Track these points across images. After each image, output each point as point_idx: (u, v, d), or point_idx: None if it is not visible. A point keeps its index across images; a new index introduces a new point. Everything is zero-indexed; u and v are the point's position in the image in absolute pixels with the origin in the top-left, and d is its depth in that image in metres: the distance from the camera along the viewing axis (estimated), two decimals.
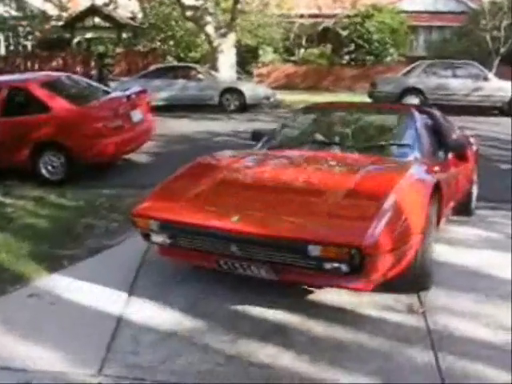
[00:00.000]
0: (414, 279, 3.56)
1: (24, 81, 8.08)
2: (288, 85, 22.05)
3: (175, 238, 3.54)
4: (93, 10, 23.59)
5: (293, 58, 24.48)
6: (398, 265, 3.28)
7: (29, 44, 27.24)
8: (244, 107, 15.13)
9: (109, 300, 3.76)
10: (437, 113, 5.61)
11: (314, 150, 4.69)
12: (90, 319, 3.52)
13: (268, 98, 15.67)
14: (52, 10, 26.99)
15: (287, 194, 3.71)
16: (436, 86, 14.59)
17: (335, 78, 22.14)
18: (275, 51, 24.69)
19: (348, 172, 4.01)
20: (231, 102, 15.26)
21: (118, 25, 23.86)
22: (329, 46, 24.07)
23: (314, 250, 3.03)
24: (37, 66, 24.30)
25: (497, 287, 3.88)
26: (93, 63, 25.32)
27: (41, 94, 7.66)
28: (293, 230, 3.21)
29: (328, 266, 3.09)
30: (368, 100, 15.09)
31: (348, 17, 22.21)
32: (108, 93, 8.74)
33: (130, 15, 25.36)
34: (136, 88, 8.86)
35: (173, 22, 22.72)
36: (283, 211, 3.39)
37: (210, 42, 17.63)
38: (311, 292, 3.72)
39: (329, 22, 22.77)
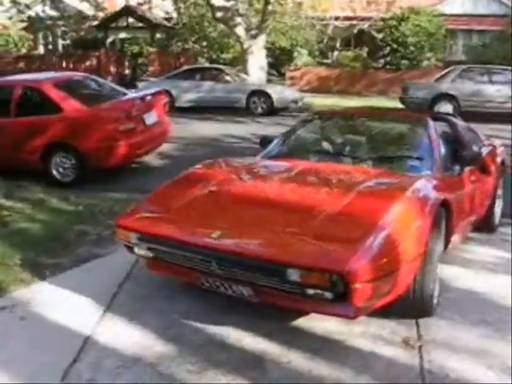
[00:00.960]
0: (412, 306, 3.28)
1: (37, 81, 7.95)
2: (321, 88, 21.61)
3: (156, 251, 3.33)
4: (127, 11, 23.65)
5: (326, 61, 24.05)
6: (391, 291, 2.99)
7: (64, 43, 27.53)
8: (271, 110, 14.80)
9: (82, 316, 3.52)
10: (457, 121, 5.29)
11: (316, 160, 4.42)
12: (56, 338, 3.27)
13: (296, 102, 15.30)
14: (88, 10, 27.30)
15: (275, 210, 3.40)
16: (471, 93, 13.96)
17: (369, 81, 21.57)
18: (310, 54, 24.34)
19: (345, 188, 3.66)
20: (258, 104, 14.96)
21: (151, 25, 23.88)
22: (365, 49, 23.65)
23: (294, 275, 2.78)
24: (71, 66, 24.63)
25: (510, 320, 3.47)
26: (126, 63, 25.54)
27: (53, 94, 7.52)
28: (272, 251, 2.95)
29: (310, 291, 2.82)
30: (400, 106, 14.59)
31: (383, 20, 21.63)
32: (125, 94, 8.55)
33: (164, 15, 25.41)
34: (152, 89, 8.64)
35: (206, 23, 22.60)
36: (266, 229, 3.13)
37: (240, 44, 17.38)
38: (298, 316, 3.39)
39: (363, 25, 22.22)
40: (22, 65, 24.90)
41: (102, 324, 3.42)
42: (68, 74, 8.84)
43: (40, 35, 28.43)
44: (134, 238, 3.35)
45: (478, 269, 4.39)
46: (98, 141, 7.31)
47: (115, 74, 24.29)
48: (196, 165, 4.39)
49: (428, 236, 3.17)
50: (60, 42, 28.17)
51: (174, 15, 24.35)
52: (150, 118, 8.02)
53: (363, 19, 22.16)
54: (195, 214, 3.43)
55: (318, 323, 3.31)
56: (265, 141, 5.08)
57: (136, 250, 3.46)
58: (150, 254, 3.37)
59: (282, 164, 4.40)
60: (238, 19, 16.91)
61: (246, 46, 17.14)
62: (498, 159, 5.51)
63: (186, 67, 17.49)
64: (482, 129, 10.01)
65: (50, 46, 28.79)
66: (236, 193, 3.72)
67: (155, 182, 7.50)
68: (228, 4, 17.10)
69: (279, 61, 24.15)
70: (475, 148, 4.94)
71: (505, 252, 4.80)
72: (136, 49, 26.58)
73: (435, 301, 3.47)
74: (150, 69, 23.29)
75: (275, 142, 4.92)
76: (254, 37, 17.10)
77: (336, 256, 2.79)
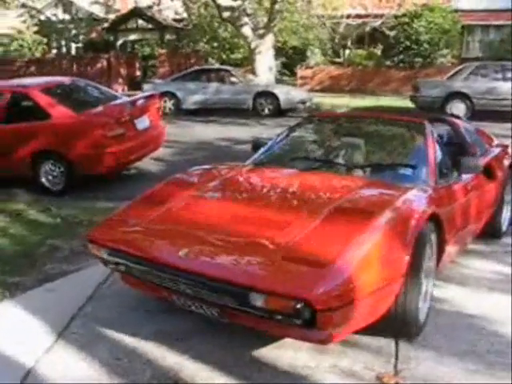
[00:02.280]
0: (396, 327, 3.08)
1: (25, 86, 7.71)
2: (332, 87, 21.22)
3: (126, 267, 3.17)
4: (136, 12, 23.49)
5: (338, 60, 23.61)
6: (368, 315, 2.81)
7: (75, 46, 27.49)
8: (278, 111, 14.46)
9: (31, 344, 3.23)
10: (461, 123, 5.03)
11: (301, 169, 4.09)
12: None
13: (304, 102, 14.93)
14: (100, 12, 27.24)
15: (246, 227, 3.14)
16: (484, 90, 13.46)
17: (381, 80, 21.07)
18: (324, 53, 23.93)
19: (323, 203, 3.37)
20: (265, 106, 14.63)
21: (160, 26, 23.69)
22: (379, 48, 23.16)
23: (257, 299, 2.59)
24: (82, 69, 24.56)
25: (505, 351, 3.09)
26: (137, 65, 25.42)
27: (41, 100, 7.27)
28: (236, 272, 2.74)
29: (278, 316, 2.62)
30: (410, 105, 14.12)
31: (396, 17, 21.10)
32: (117, 98, 8.28)
33: (175, 16, 25.22)
34: (146, 93, 8.37)
35: (216, 24, 22.32)
36: (236, 247, 2.94)
37: (248, 44, 17.07)
38: (264, 343, 3.06)
39: (375, 23, 21.73)
40: (33, 69, 25.00)
41: (50, 354, 3.12)
42: (58, 78, 8.56)
43: (53, 39, 28.47)
44: (105, 254, 3.23)
45: (475, 287, 4.02)
46: (86, 148, 7.07)
47: (126, 76, 24.23)
48: (176, 174, 4.17)
49: (410, 255, 2.90)
50: (72, 45, 28.13)
51: (185, 15, 24.11)
52: (142, 122, 7.73)
53: (375, 17, 21.64)
54: (166, 229, 3.25)
55: (284, 353, 2.98)
56: (256, 145, 4.82)
57: (109, 264, 3.33)
58: (122, 269, 3.22)
59: (265, 174, 4.14)
60: (245, 19, 16.60)
61: (253, 45, 16.83)
62: (506, 162, 5.17)
63: (192, 68, 17.19)
64: (496, 128, 9.69)
65: (64, 50, 28.83)
66: (209, 208, 3.49)
67: (145, 189, 7.39)
68: (235, 4, 16.77)
69: (292, 60, 23.79)
70: (479, 152, 4.68)
71: (505, 266, 4.42)
72: (147, 50, 26.51)
73: (422, 321, 3.24)
74: (160, 70, 23.11)
75: (264, 148, 4.64)
76: (262, 36, 16.77)
77: (301, 281, 2.58)
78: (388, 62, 21.95)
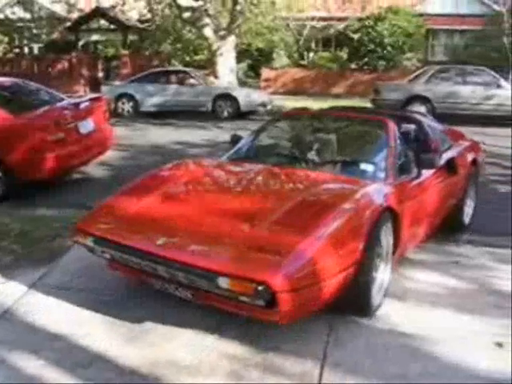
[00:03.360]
0: (347, 308, 3.46)
1: None
2: (296, 90, 21.04)
3: (110, 254, 3.51)
4: (98, 12, 22.99)
5: (302, 62, 23.48)
6: (322, 298, 3.13)
7: (36, 46, 26.82)
8: (238, 114, 14.21)
9: None
10: (426, 120, 5.29)
11: (271, 164, 4.41)
12: None
13: (265, 105, 14.73)
14: (63, 12, 26.59)
15: (219, 216, 3.50)
16: (445, 94, 13.46)
17: (345, 83, 21.00)
18: (290, 56, 23.79)
19: (287, 196, 3.75)
20: (224, 108, 14.38)
21: (123, 27, 23.23)
22: (345, 50, 23.11)
23: (223, 282, 2.90)
24: (43, 69, 23.94)
25: (439, 374, 2.87)
26: (100, 66, 24.90)
27: None
28: (206, 258, 3.07)
29: (243, 298, 2.93)
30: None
31: (359, 20, 21.07)
32: (61, 100, 7.91)
33: (140, 17, 24.77)
34: (90, 95, 8.01)
35: (179, 25, 21.98)
36: (207, 236, 3.28)
37: (209, 45, 16.79)
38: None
39: (340, 25, 21.66)
40: None
41: None
42: None
43: (15, 38, 27.74)
44: (90, 241, 3.52)
45: (416, 302, 3.81)
46: (23, 152, 6.67)
47: (88, 78, 23.69)
48: (161, 166, 4.49)
49: (365, 243, 3.26)
50: (32, 45, 27.45)
51: (148, 16, 23.70)
52: (86, 126, 7.38)
53: (339, 20, 21.60)
54: (146, 219, 3.57)
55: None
56: (234, 140, 5.07)
57: (94, 251, 3.62)
58: (107, 256, 3.55)
59: (237, 168, 4.50)
60: (206, 20, 16.33)
61: (214, 47, 16.57)
62: (470, 158, 5.44)
63: (151, 70, 16.84)
64: None
65: (26, 50, 28.12)
66: (186, 199, 3.89)
67: (91, 194, 7.08)
68: (196, 4, 16.48)
69: (258, 62, 23.60)
70: (441, 148, 4.92)
71: (450, 278, 4.23)
72: (111, 51, 26.01)
73: (377, 303, 3.58)
74: (123, 71, 22.62)
75: (239, 144, 4.93)
76: (223, 38, 16.52)
77: (263, 266, 2.91)
78: (353, 65, 21.93)
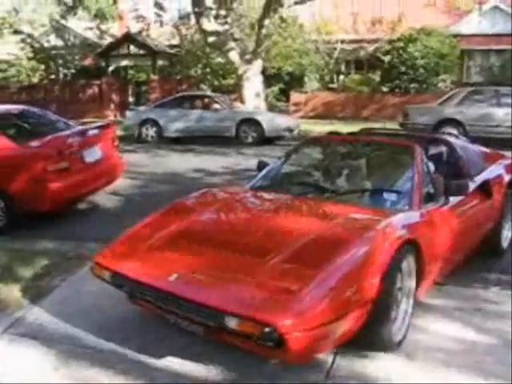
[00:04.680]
0: (366, 345, 3.36)
1: None
2: (326, 114, 20.62)
3: (127, 289, 3.47)
4: (127, 38, 23.14)
5: (332, 86, 23.07)
6: (337, 336, 3.04)
7: (70, 72, 27.18)
8: (263, 140, 13.85)
9: None
10: (458, 142, 5.21)
11: (292, 194, 4.36)
12: None
13: (291, 130, 14.29)
14: (95, 38, 26.91)
15: (234, 252, 3.45)
16: (477, 117, 12.82)
17: (376, 106, 20.46)
18: (321, 79, 23.43)
19: (305, 229, 3.62)
20: (249, 134, 14.03)
21: (152, 52, 23.29)
22: (377, 73, 22.63)
23: (231, 322, 2.87)
24: (73, 95, 24.21)
25: None
26: (130, 90, 25.04)
27: None
28: (214, 297, 3.03)
29: (251, 338, 2.85)
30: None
31: (390, 42, 20.58)
32: (69, 128, 7.68)
33: (170, 42, 24.87)
34: (99, 122, 7.77)
35: (208, 49, 21.91)
36: (219, 273, 3.25)
37: (235, 70, 16.57)
38: None
39: (370, 48, 21.22)
40: (24, 95, 24.67)
41: None
42: (6, 107, 7.98)
43: (51, 65, 28.21)
44: (108, 276, 3.53)
45: (424, 361, 3.31)
46: (26, 182, 6.45)
47: (118, 102, 23.80)
48: (177, 200, 4.42)
49: (381, 279, 3.12)
50: (65, 71, 27.84)
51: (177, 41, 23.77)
52: (92, 154, 7.13)
53: (370, 42, 21.16)
54: (159, 255, 3.56)
55: None
56: (261, 166, 4.97)
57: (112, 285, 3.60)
58: (125, 290, 3.49)
59: (258, 198, 4.47)
60: (232, 44, 16.10)
61: (240, 71, 16.32)
62: (506, 179, 5.28)
63: (175, 95, 16.67)
64: None
65: (61, 76, 28.54)
66: (203, 232, 3.83)
67: (95, 226, 6.79)
68: (221, 28, 16.30)
69: (289, 86, 23.26)
70: (476, 170, 4.88)
71: (470, 330, 3.71)
72: (143, 76, 26.12)
73: (399, 338, 3.45)
74: (152, 96, 22.64)
75: (263, 172, 4.85)
76: (249, 62, 16.25)
77: (270, 307, 2.86)
78: (385, 88, 21.41)
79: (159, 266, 3.45)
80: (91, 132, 7.30)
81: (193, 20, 18.71)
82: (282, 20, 19.02)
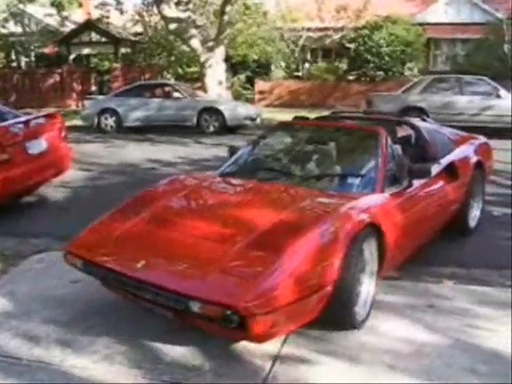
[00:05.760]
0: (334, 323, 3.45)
1: None
2: (292, 102, 20.40)
3: (97, 276, 3.56)
4: (89, 25, 22.49)
5: (298, 74, 22.82)
6: (301, 316, 3.15)
7: (28, 60, 26.40)
8: (224, 128, 13.55)
9: None
10: (423, 125, 5.24)
11: (258, 179, 4.41)
12: None
13: (253, 119, 14.02)
14: (58, 25, 26.10)
15: (199, 238, 3.47)
16: (441, 105, 12.74)
17: (342, 94, 20.26)
18: (287, 67, 23.16)
19: (268, 213, 3.68)
20: (210, 122, 13.71)
21: (114, 40, 22.69)
22: (345, 61, 22.45)
23: (194, 306, 2.92)
24: (34, 83, 23.47)
25: None
26: (92, 79, 24.39)
27: None
28: (178, 281, 3.12)
29: (214, 321, 2.90)
30: None
31: (355, 29, 20.39)
32: (16, 118, 7.26)
33: (134, 30, 24.25)
34: (44, 112, 7.37)
35: (172, 37, 21.43)
36: (182, 260, 3.29)
37: (197, 57, 16.18)
38: None
39: (335, 35, 21.00)
40: None
41: None
42: None
43: (12, 53, 27.34)
44: (80, 264, 3.57)
45: (369, 365, 3.11)
46: None
47: (80, 91, 23.15)
48: (146, 188, 4.41)
49: (342, 260, 3.21)
50: (26, 59, 27.03)
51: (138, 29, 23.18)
52: (36, 146, 6.74)
53: (336, 30, 20.94)
54: (132, 241, 3.59)
55: None
56: (232, 152, 5.04)
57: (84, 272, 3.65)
58: (96, 277, 3.57)
59: (224, 185, 4.54)
60: (193, 31, 15.70)
61: (202, 59, 15.94)
62: (473, 160, 5.39)
63: (135, 84, 16.22)
64: None
65: (23, 64, 27.68)
66: (170, 219, 3.81)
67: (39, 220, 6.45)
68: (183, 15, 15.88)
69: (257, 74, 22.94)
70: (442, 153, 4.95)
71: (420, 329, 3.52)
72: (106, 64, 25.48)
73: (362, 317, 3.54)
74: (115, 85, 22.07)
75: (232, 158, 4.91)
76: (211, 49, 15.88)
77: (230, 291, 2.93)
78: (351, 76, 21.26)
79: (128, 253, 3.51)
80: (35, 122, 6.92)
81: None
82: (246, 7, 18.65)
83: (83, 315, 3.74)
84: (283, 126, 5.78)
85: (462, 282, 4.41)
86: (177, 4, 15.77)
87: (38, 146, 6.80)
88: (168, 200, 4.11)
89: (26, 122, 6.82)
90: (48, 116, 7.27)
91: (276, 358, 3.16)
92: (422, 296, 4.05)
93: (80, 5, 25.84)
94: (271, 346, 3.25)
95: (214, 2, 18.88)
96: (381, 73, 20.16)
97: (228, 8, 15.58)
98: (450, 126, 11.84)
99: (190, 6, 15.85)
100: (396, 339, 3.41)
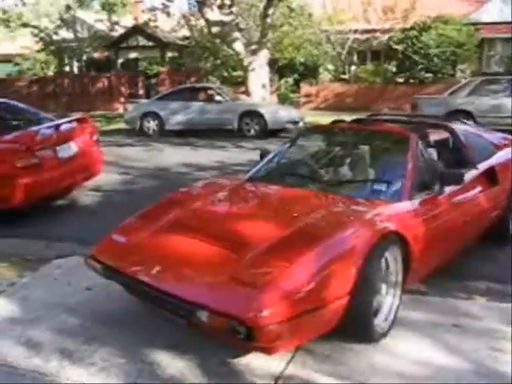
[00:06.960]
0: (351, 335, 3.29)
1: None
2: (338, 105, 20.02)
3: (120, 281, 3.53)
4: (136, 30, 22.81)
5: (344, 77, 22.42)
6: (315, 327, 3.04)
7: (79, 65, 27.03)
8: (265, 132, 13.39)
9: None
10: (460, 129, 5.04)
11: (283, 185, 4.31)
12: None
13: (296, 122, 13.77)
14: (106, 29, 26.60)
15: (216, 245, 3.37)
16: (489, 108, 12.19)
17: (389, 97, 19.76)
18: (335, 70, 22.82)
19: (289, 220, 3.58)
20: (251, 126, 13.58)
21: (161, 44, 22.92)
22: (394, 63, 21.92)
23: (203, 315, 2.85)
24: (83, 87, 23.98)
25: None
26: (140, 83, 24.73)
27: None
28: (188, 290, 3.07)
29: (222, 331, 2.85)
30: None
31: (403, 30, 19.85)
32: (49, 122, 7.33)
33: (176, 33, 24.44)
34: (74, 116, 7.42)
35: (217, 40, 21.45)
36: (196, 267, 3.21)
37: (240, 61, 16.09)
38: None
39: (383, 37, 20.51)
40: (35, 88, 24.55)
41: None
42: None
43: (65, 57, 28.08)
44: (100, 269, 3.56)
45: None
46: None
47: (128, 95, 23.48)
48: (174, 192, 4.45)
49: (359, 273, 3.06)
50: (77, 64, 27.68)
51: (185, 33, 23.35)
52: (66, 150, 6.78)
53: (384, 31, 20.44)
54: (150, 247, 3.53)
55: None
56: (263, 155, 4.97)
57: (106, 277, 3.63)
58: (118, 282, 3.54)
59: (249, 190, 4.46)
60: (236, 34, 15.62)
61: (246, 62, 15.84)
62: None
63: (177, 87, 16.28)
64: None
65: (75, 68, 28.38)
66: (189, 225, 3.74)
67: (67, 224, 6.44)
68: (226, 18, 15.83)
69: (304, 77, 22.66)
70: (480, 158, 4.78)
71: (441, 351, 3.26)
72: (155, 69, 25.78)
73: (383, 330, 3.38)
74: (161, 88, 22.28)
75: (261, 162, 4.83)
76: (254, 52, 15.76)
77: (238, 301, 2.85)
78: (400, 79, 20.73)
79: (144, 260, 3.47)
80: (66, 126, 6.95)
81: None
82: (291, 9, 18.46)
83: (90, 324, 3.65)
84: (314, 130, 5.71)
85: (495, 299, 4.11)
86: (220, 7, 15.72)
87: (68, 150, 6.84)
88: (190, 205, 4.05)
89: (57, 127, 6.86)
90: (79, 120, 7.30)
91: (278, 379, 2.97)
92: (448, 313, 3.77)
93: (128, 8, 26.24)
94: (275, 364, 3.08)
95: (258, 4, 18.83)
96: (430, 75, 19.53)
97: (270, 11, 15.43)
98: (499, 130, 11.45)
99: (234, 9, 15.76)
100: (412, 361, 3.16)
